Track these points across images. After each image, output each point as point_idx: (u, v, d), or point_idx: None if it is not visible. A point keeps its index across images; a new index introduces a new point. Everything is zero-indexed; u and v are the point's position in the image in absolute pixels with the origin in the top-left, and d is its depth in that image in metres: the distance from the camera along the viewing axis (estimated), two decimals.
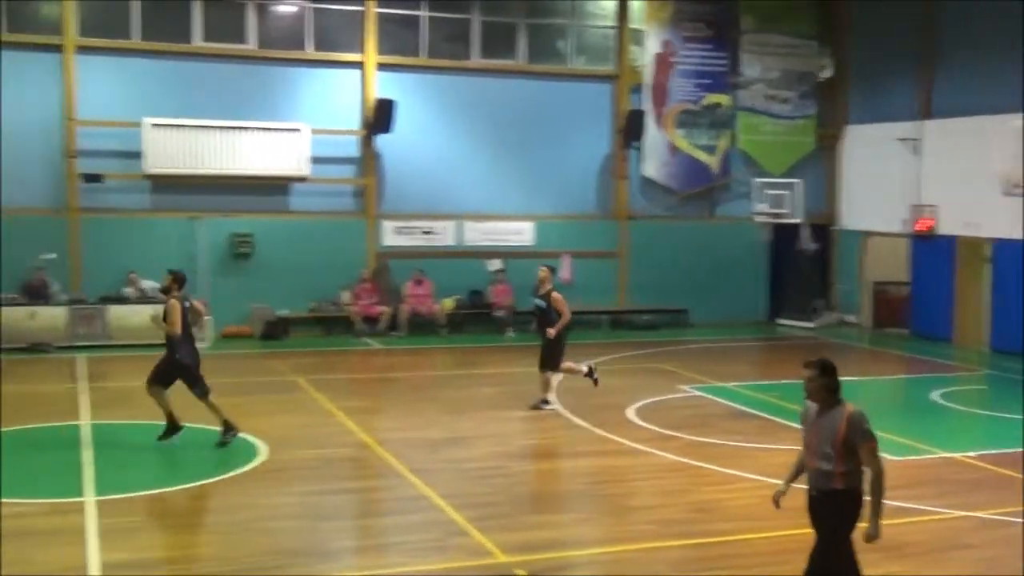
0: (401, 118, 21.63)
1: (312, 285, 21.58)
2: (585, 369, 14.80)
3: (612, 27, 23.81)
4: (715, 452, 12.12)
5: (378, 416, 14.51)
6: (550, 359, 14.42)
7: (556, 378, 14.84)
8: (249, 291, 21.06)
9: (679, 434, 13.01)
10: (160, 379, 12.02)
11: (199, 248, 20.82)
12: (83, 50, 20.32)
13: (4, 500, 9.76)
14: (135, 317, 19.05)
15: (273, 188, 21.56)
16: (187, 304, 12.15)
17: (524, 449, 12.84)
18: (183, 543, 8.74)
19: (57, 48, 20.18)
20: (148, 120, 20.31)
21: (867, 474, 6.57)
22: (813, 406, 6.70)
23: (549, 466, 11.79)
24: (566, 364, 14.60)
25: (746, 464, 11.42)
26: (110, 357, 18.45)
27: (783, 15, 24.57)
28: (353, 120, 22.03)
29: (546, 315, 14.38)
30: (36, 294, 19.46)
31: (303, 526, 9.37)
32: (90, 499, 9.89)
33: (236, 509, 9.70)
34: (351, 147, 22.11)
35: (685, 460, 11.77)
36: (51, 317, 19.24)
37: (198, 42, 21.19)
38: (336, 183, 22.10)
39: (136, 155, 20.38)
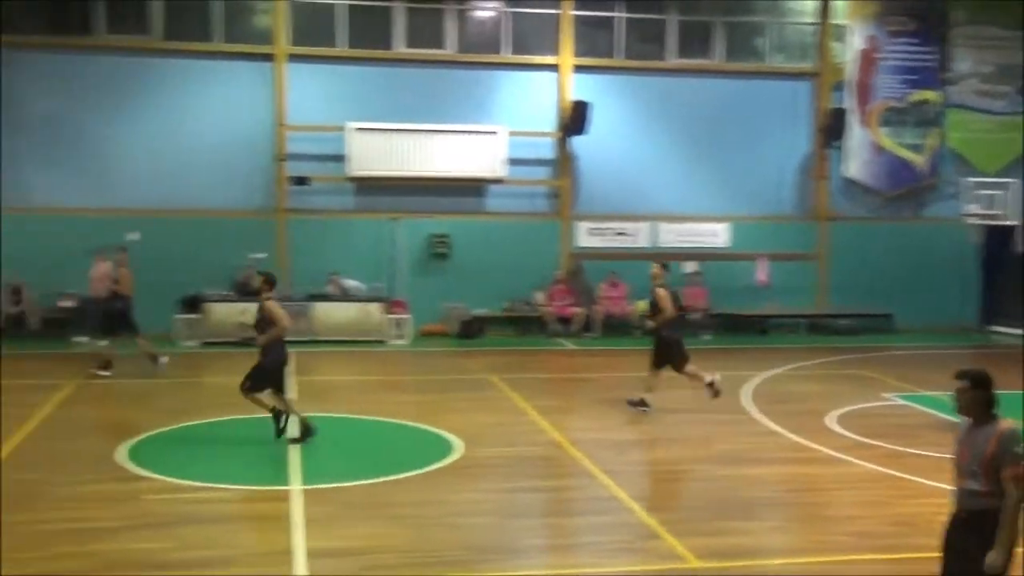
0: (596, 119, 21.67)
1: (506, 285, 21.89)
2: (708, 379, 14.34)
3: (812, 23, 23.19)
4: (918, 463, 11.62)
5: (570, 416, 14.55)
6: (663, 358, 14.21)
7: (692, 370, 14.48)
8: (446, 290, 21.55)
9: (880, 443, 12.54)
10: (272, 384, 12.12)
11: (398, 248, 21.44)
12: (293, 58, 21.24)
13: (214, 486, 10.29)
14: (339, 314, 19.97)
15: (470, 189, 21.98)
16: None
17: (718, 453, 12.63)
18: (379, 533, 8.98)
19: (269, 57, 21.17)
20: (351, 124, 21.06)
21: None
22: (968, 421, 6.28)
23: (743, 471, 11.56)
24: (691, 368, 14.35)
25: (951, 478, 10.89)
26: (316, 352, 19.18)
27: (996, 7, 23.43)
28: (549, 122, 22.21)
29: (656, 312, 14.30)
30: (246, 291, 20.42)
31: (494, 523, 9.49)
32: (296, 488, 10.29)
33: (430, 503, 9.90)
34: (546, 149, 22.30)
35: (886, 471, 11.34)
36: None
37: (400, 48, 21.82)
38: (531, 184, 22.33)
39: (340, 158, 21.16)
